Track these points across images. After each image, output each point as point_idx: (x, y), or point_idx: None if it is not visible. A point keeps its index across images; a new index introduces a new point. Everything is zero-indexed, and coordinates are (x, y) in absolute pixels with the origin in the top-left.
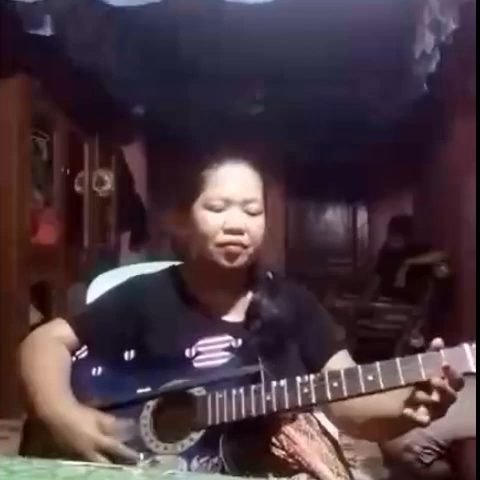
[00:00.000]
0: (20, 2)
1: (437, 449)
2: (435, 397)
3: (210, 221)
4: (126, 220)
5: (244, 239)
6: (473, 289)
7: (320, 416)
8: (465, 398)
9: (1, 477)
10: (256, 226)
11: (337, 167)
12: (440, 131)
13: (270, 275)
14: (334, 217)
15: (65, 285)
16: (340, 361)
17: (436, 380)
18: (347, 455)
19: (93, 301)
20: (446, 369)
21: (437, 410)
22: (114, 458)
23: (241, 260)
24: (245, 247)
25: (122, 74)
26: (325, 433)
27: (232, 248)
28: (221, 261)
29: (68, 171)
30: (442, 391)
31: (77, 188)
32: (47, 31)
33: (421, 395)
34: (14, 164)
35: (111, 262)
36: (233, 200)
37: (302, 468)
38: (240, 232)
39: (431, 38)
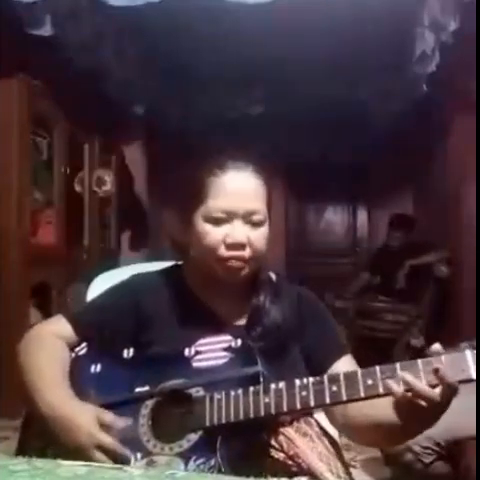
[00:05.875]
0: (20, 2)
1: (437, 449)
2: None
3: (211, 235)
4: (126, 220)
5: (246, 253)
6: (473, 289)
7: (319, 417)
8: (465, 398)
9: (1, 477)
10: (259, 237)
11: (337, 167)
12: (440, 131)
13: (274, 277)
14: (334, 217)
15: (65, 285)
16: (344, 366)
17: (418, 385)
18: (347, 455)
19: (93, 298)
20: (436, 372)
21: (423, 414)
22: (110, 455)
23: (243, 274)
24: (247, 261)
25: (122, 74)
26: (325, 434)
27: (233, 263)
28: (222, 276)
29: (68, 171)
30: (422, 396)
31: (77, 188)
32: (47, 31)
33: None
34: (14, 164)
35: (111, 262)
36: (236, 212)
37: (302, 470)
38: (242, 247)
39: (431, 38)
